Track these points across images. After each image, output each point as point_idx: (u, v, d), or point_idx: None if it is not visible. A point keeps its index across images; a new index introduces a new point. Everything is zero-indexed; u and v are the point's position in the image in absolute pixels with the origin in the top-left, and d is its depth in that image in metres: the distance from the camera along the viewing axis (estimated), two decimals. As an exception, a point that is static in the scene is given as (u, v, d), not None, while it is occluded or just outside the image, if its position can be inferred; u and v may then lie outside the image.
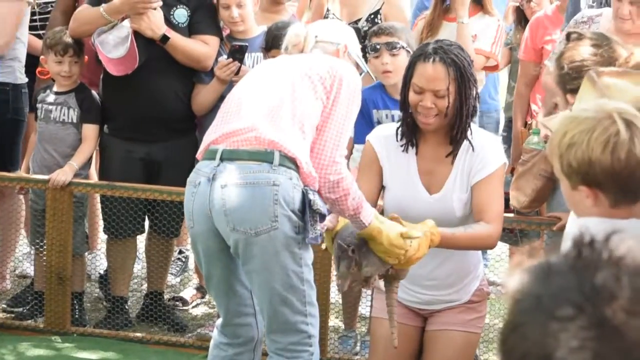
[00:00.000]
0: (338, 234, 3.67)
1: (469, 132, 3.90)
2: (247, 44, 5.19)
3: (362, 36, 5.17)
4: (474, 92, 3.92)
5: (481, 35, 5.47)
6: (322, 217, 3.56)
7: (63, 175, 5.13)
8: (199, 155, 3.72)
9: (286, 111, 3.62)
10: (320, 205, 3.54)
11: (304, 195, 3.52)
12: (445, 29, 5.44)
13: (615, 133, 2.55)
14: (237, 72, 5.16)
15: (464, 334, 4.01)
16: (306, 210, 3.51)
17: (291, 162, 3.55)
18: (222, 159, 3.58)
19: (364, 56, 5.22)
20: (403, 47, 4.88)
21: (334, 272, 4.35)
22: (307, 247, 3.58)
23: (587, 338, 1.00)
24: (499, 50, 5.54)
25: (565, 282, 1.04)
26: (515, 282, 1.08)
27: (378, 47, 4.92)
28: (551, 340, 1.01)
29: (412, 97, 3.86)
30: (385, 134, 3.91)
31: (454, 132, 3.91)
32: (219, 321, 3.81)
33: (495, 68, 5.69)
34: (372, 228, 3.65)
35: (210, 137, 3.69)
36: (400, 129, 3.92)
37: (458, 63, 3.84)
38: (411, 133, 3.94)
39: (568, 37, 3.90)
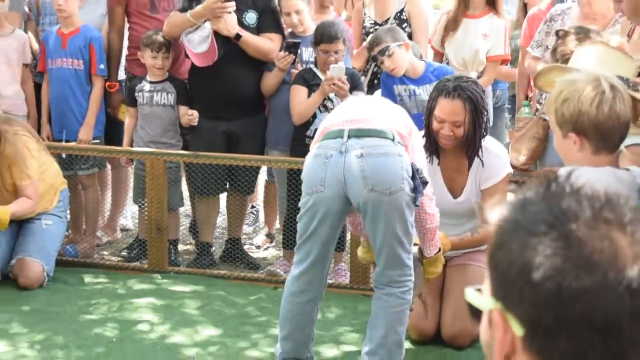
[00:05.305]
0: None
1: (480, 152, 4.28)
2: (299, 41, 5.51)
3: None
4: (485, 119, 4.24)
5: (493, 37, 5.64)
6: (425, 184, 3.86)
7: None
8: (317, 137, 3.96)
9: (391, 116, 3.95)
10: (425, 174, 3.87)
11: (412, 166, 3.84)
12: (464, 24, 5.68)
13: (602, 92, 2.72)
14: (293, 63, 5.50)
15: (479, 269, 4.40)
16: (416, 177, 3.80)
17: (402, 142, 3.86)
18: (349, 137, 3.82)
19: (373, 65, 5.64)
20: (393, 46, 5.06)
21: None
22: None
23: (558, 247, 1.08)
24: (508, 47, 5.76)
25: (539, 208, 1.12)
26: (497, 214, 1.16)
27: (377, 57, 5.16)
28: (530, 251, 1.09)
29: (435, 125, 4.24)
30: None
31: (469, 153, 4.24)
32: (296, 271, 3.97)
33: (507, 61, 5.95)
34: (439, 255, 4.07)
35: (327, 123, 3.95)
36: (424, 145, 4.26)
37: (473, 98, 4.15)
38: (434, 149, 4.35)
39: (557, 34, 4.28)
